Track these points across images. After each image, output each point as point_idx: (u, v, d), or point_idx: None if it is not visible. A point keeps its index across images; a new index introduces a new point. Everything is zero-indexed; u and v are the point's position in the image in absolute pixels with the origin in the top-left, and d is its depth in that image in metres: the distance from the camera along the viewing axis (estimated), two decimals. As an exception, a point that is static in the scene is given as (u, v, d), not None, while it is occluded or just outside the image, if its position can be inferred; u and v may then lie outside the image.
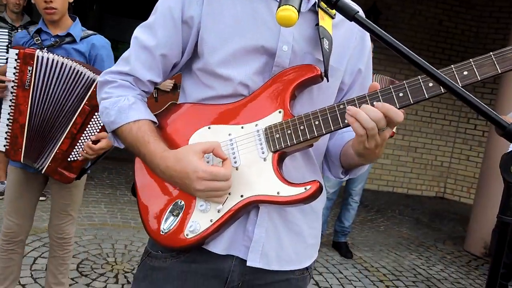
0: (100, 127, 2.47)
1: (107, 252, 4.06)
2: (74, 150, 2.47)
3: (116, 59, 1.43)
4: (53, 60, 2.37)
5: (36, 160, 2.49)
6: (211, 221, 1.16)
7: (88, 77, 2.40)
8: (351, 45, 1.32)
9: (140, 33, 1.27)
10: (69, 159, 2.48)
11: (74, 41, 2.55)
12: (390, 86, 1.09)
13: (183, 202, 1.19)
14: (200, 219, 1.17)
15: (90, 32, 2.65)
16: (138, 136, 1.20)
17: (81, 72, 2.40)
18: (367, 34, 1.35)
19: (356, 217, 5.16)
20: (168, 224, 1.19)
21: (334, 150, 1.35)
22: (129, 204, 5.54)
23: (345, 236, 4.99)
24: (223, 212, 1.16)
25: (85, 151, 2.43)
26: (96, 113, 2.43)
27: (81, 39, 2.58)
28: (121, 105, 1.23)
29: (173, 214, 1.19)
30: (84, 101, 2.41)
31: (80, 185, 2.77)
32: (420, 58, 0.90)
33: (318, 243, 1.39)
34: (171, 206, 1.20)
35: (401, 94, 1.08)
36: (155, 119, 1.27)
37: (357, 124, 1.06)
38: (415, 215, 7.37)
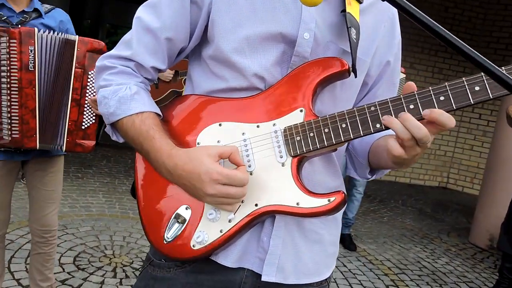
0: None
1: (105, 244, 3.94)
2: (84, 116, 2.42)
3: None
4: (50, 36, 2.32)
5: (51, 141, 2.39)
6: (221, 231, 1.03)
7: (70, 39, 2.36)
8: (380, 33, 1.18)
9: (143, 13, 1.12)
10: (83, 127, 2.42)
11: (40, 16, 2.45)
12: (430, 88, 0.95)
13: (190, 208, 1.06)
14: (209, 229, 1.03)
15: (49, 6, 2.55)
16: (141, 130, 1.06)
17: (68, 39, 2.36)
18: (397, 22, 1.22)
19: (359, 207, 5.06)
20: (172, 232, 1.06)
21: (361, 149, 1.22)
22: (128, 194, 5.41)
23: (348, 228, 4.88)
24: (235, 222, 1.02)
25: (93, 112, 2.42)
26: (89, 72, 2.39)
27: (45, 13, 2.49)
28: (122, 94, 1.09)
29: (178, 221, 1.06)
30: (74, 64, 2.36)
31: (61, 169, 2.67)
32: (476, 52, 0.73)
33: (337, 251, 1.26)
34: (176, 212, 1.07)
35: (442, 98, 0.93)
36: (159, 112, 1.14)
37: (391, 139, 0.95)
38: (418, 205, 7.27)
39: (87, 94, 2.39)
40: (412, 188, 8.57)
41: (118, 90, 1.10)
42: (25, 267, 3.33)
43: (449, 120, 0.91)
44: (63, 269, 3.38)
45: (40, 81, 2.31)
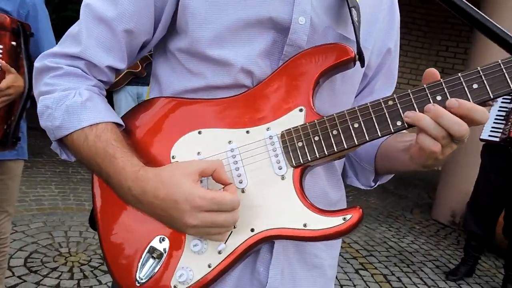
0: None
1: (59, 241, 3.64)
2: None
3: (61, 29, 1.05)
4: None
5: None
6: (209, 266, 0.83)
7: None
8: (380, 16, 1.01)
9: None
10: None
11: None
12: (459, 74, 0.78)
13: (167, 239, 0.85)
14: (194, 264, 0.83)
15: None
16: (97, 148, 0.84)
17: None
18: (397, 2, 1.05)
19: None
20: (146, 270, 0.85)
21: (365, 153, 1.05)
22: (83, 183, 5.09)
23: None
24: (227, 253, 0.82)
25: None
26: None
27: None
28: (70, 103, 0.86)
29: (153, 256, 0.85)
30: None
31: (17, 176, 2.33)
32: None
33: (336, 272, 1.10)
34: (150, 245, 0.85)
35: (475, 86, 0.77)
36: (120, 121, 0.91)
37: (423, 136, 0.76)
38: (380, 183, 7.31)
39: None
40: (373, 165, 8.64)
41: (64, 97, 0.87)
42: (-31, 273, 3.01)
43: (484, 115, 0.75)
44: (13, 273, 3.08)
45: None
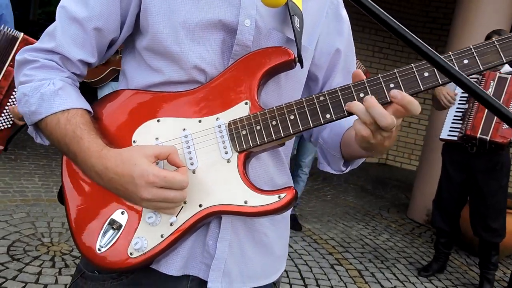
0: None
1: (42, 231, 3.74)
2: (1, 118, 2.21)
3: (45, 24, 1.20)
4: None
5: None
6: (161, 236, 0.95)
7: (8, 33, 2.14)
8: (322, 19, 1.14)
9: (68, 2, 1.03)
10: None
11: None
12: (379, 75, 0.93)
13: (126, 213, 0.98)
14: (148, 234, 0.96)
15: None
16: (67, 130, 0.96)
17: (13, 35, 2.15)
18: (343, 7, 1.18)
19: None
20: (106, 239, 0.97)
21: (332, 141, 1.17)
22: (66, 176, 5.17)
23: (293, 208, 4.92)
24: (177, 225, 0.95)
25: (12, 117, 2.19)
26: None
27: None
28: (45, 91, 0.99)
29: (112, 227, 0.98)
30: (8, 62, 2.14)
31: None
32: (417, 38, 0.69)
33: (286, 252, 1.22)
34: (111, 217, 0.98)
35: (392, 85, 0.92)
36: (89, 108, 1.04)
37: (356, 121, 0.90)
38: (359, 182, 7.45)
39: (12, 97, 2.19)
40: (355, 166, 8.76)
41: (40, 86, 0.99)
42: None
43: (417, 107, 0.88)
44: (-5, 260, 3.18)
45: None
